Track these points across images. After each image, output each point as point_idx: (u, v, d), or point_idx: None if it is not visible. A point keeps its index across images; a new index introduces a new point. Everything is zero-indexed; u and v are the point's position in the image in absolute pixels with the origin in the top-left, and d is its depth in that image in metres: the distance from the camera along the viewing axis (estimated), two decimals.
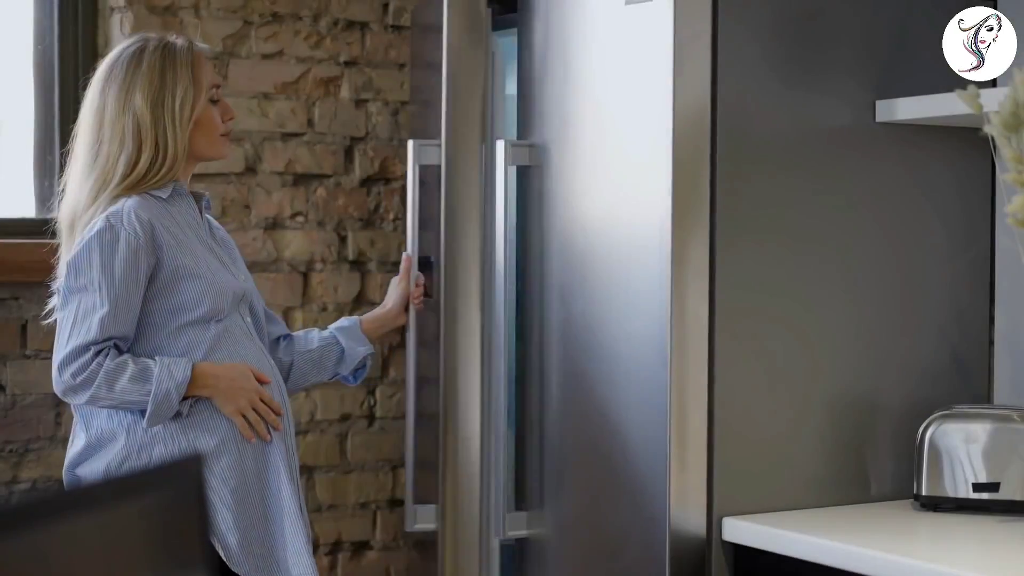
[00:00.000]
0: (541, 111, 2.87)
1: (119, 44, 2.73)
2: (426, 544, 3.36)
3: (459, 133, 2.94)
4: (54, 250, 2.69)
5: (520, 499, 2.92)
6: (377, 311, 2.98)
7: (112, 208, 2.56)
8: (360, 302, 3.51)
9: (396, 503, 3.55)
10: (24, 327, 3.16)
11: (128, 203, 2.56)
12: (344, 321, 2.93)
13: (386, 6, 3.56)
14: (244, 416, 2.59)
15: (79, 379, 2.52)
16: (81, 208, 2.61)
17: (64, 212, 2.65)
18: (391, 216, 3.56)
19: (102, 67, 2.67)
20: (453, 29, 2.95)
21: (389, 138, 3.55)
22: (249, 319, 2.71)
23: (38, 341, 3.16)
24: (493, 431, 2.92)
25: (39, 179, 3.30)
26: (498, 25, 3.24)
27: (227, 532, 2.56)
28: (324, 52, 3.48)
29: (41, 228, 3.00)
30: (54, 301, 2.64)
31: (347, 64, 3.51)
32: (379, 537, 3.55)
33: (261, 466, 2.61)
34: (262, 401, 2.61)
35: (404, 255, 3.02)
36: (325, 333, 2.89)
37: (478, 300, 2.86)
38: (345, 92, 3.51)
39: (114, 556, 1.24)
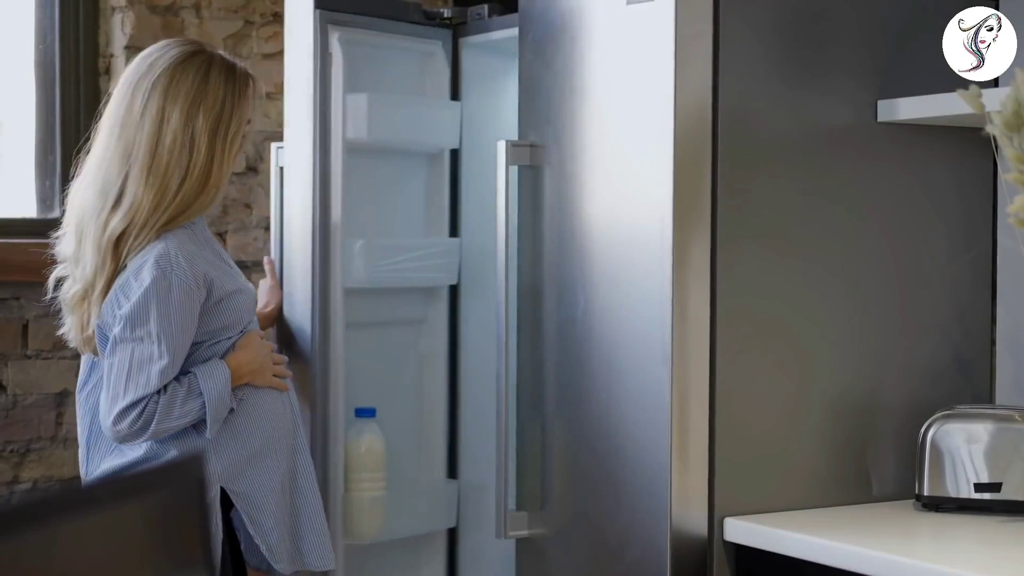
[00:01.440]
0: (542, 111, 2.87)
1: (169, 46, 2.63)
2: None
3: (297, 134, 3.01)
4: (47, 247, 2.67)
5: (521, 499, 2.91)
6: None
7: (158, 251, 2.53)
8: None
9: None
10: (25, 327, 3.16)
11: (170, 244, 2.54)
12: None
13: None
14: (275, 377, 2.70)
15: (136, 426, 2.53)
16: (141, 218, 2.55)
17: (118, 218, 2.56)
18: None
19: (159, 69, 2.60)
20: (290, 30, 3.02)
21: None
22: None
23: (39, 341, 3.16)
24: (496, 431, 2.93)
25: (40, 179, 3.31)
26: (499, 25, 3.24)
27: (270, 531, 2.65)
28: None
29: (42, 228, 3.01)
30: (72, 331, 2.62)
31: None
32: None
33: (292, 465, 2.71)
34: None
35: (266, 258, 3.11)
36: None
37: (309, 299, 2.99)
38: None
39: (115, 556, 1.24)
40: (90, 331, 2.60)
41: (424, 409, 3.30)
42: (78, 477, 3.23)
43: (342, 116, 3.02)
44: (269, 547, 2.67)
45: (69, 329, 2.64)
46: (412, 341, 3.29)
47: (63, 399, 3.20)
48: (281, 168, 3.13)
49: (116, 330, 2.53)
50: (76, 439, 3.20)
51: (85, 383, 2.70)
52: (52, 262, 2.67)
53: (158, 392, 2.53)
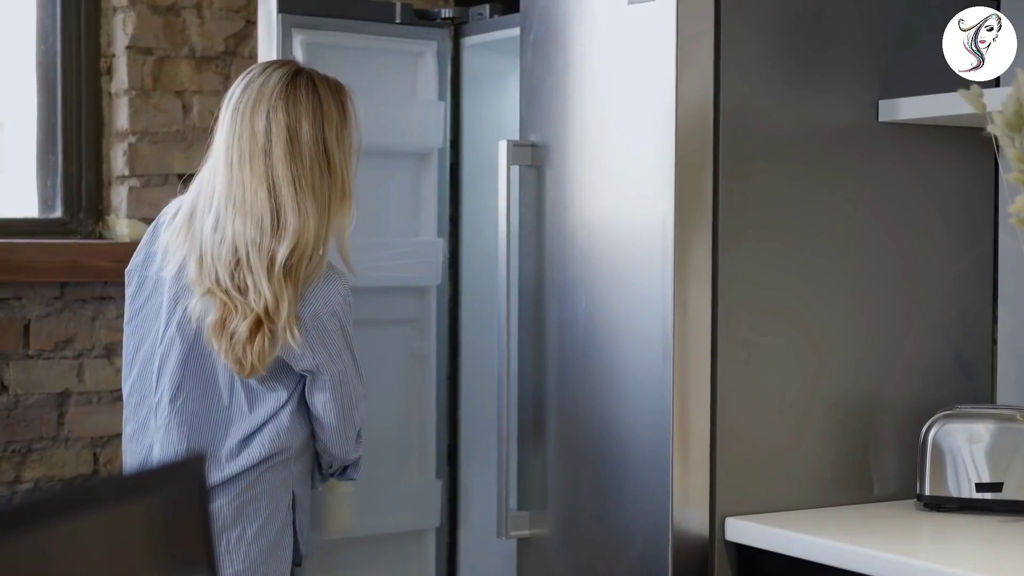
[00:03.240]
0: (543, 111, 2.87)
1: (269, 68, 2.63)
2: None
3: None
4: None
5: (523, 499, 2.91)
6: None
7: (339, 287, 2.59)
8: None
9: None
10: (27, 327, 3.16)
11: (342, 280, 2.62)
12: None
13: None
14: None
15: (360, 445, 2.73)
16: (308, 240, 2.55)
17: (285, 244, 2.54)
18: None
19: (274, 90, 2.58)
20: (261, 33, 3.05)
21: None
22: None
23: (41, 341, 3.16)
24: (498, 431, 2.93)
25: (41, 179, 3.31)
26: (500, 25, 3.24)
27: (304, 530, 2.71)
28: None
29: (43, 228, 3.01)
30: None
31: None
32: None
33: (312, 461, 2.75)
34: None
35: None
36: None
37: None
38: None
39: (117, 556, 1.24)
40: (268, 359, 2.57)
41: (413, 409, 3.30)
42: (79, 477, 3.23)
43: None
44: (305, 544, 2.73)
45: (227, 353, 2.58)
46: (401, 341, 3.28)
47: (65, 399, 3.20)
48: None
49: (334, 367, 2.60)
50: (77, 439, 3.21)
51: (176, 395, 2.64)
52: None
53: None
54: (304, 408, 2.66)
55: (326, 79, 2.65)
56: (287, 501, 2.65)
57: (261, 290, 2.54)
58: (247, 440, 2.61)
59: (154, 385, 2.66)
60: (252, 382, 2.61)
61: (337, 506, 3.01)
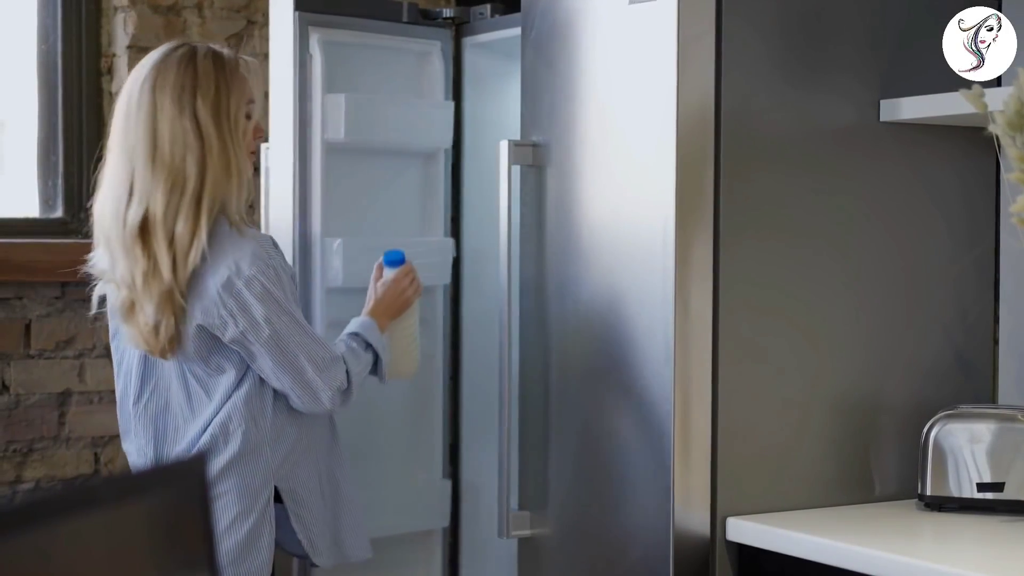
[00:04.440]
0: (544, 111, 2.87)
1: (156, 50, 2.64)
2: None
3: (279, 135, 3.03)
4: (87, 249, 2.66)
5: (523, 499, 2.91)
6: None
7: (250, 247, 2.55)
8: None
9: None
10: (28, 327, 3.16)
11: (259, 238, 2.60)
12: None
13: None
14: (418, 287, 2.90)
15: (346, 387, 2.66)
16: (158, 208, 2.53)
17: (132, 210, 2.54)
18: None
19: (145, 70, 2.59)
20: (273, 32, 3.04)
21: None
22: None
23: (42, 341, 3.16)
24: (499, 430, 2.93)
25: (42, 179, 3.31)
26: (501, 25, 3.24)
27: (311, 526, 2.69)
28: None
29: (44, 228, 3.01)
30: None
31: None
32: None
33: (331, 463, 2.74)
34: (409, 271, 2.89)
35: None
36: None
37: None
38: None
39: (118, 556, 1.24)
40: (172, 332, 2.56)
41: (420, 408, 3.30)
42: (80, 477, 3.23)
43: (321, 117, 3.04)
44: (310, 541, 2.69)
45: (134, 337, 2.59)
46: None
47: (66, 399, 3.20)
48: (267, 169, 3.14)
49: (263, 332, 2.55)
50: (78, 439, 3.21)
51: (140, 395, 2.66)
52: (88, 279, 2.67)
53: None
54: (266, 394, 2.62)
55: (211, 51, 2.61)
56: (266, 496, 2.62)
57: (119, 264, 2.55)
58: (204, 433, 2.60)
59: (123, 391, 2.70)
60: (199, 369, 2.60)
61: (399, 349, 2.89)
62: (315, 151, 3.05)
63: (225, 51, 2.64)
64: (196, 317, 2.55)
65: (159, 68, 2.58)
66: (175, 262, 2.53)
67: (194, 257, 2.52)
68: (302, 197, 3.04)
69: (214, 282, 2.53)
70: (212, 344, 2.59)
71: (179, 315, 2.55)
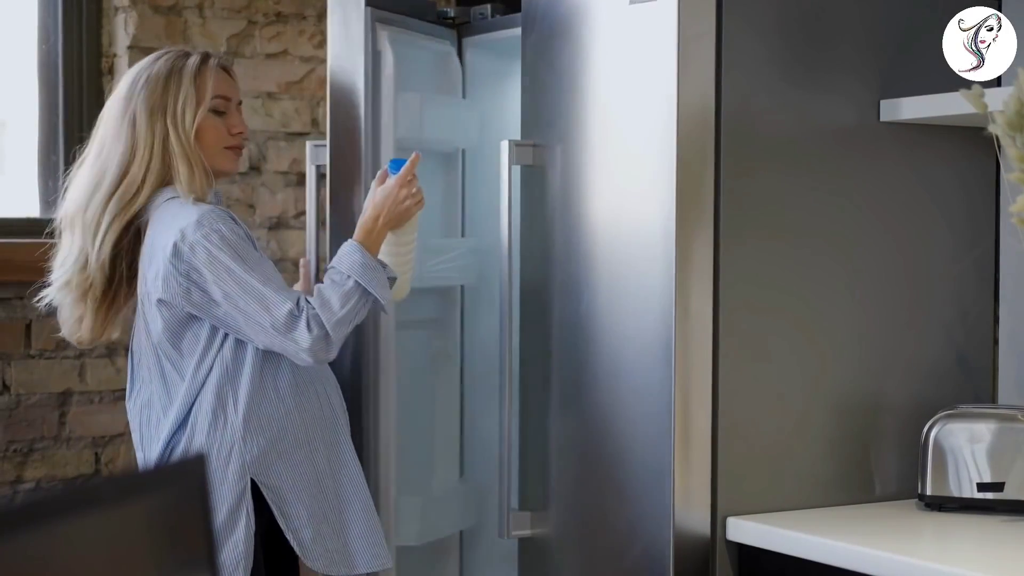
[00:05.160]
0: (545, 111, 2.87)
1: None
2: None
3: (342, 133, 2.98)
4: (49, 249, 2.70)
5: (524, 499, 2.91)
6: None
7: (185, 215, 2.59)
8: None
9: None
10: (28, 327, 3.16)
11: (202, 208, 2.61)
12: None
13: None
14: (419, 201, 2.77)
15: (314, 330, 2.56)
16: (76, 209, 2.64)
17: (67, 201, 2.68)
18: None
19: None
20: (334, 28, 2.99)
21: None
22: None
23: (42, 341, 3.17)
24: (500, 430, 2.93)
25: (43, 179, 3.31)
26: (502, 25, 3.24)
27: (301, 528, 2.64)
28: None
29: (45, 228, 3.00)
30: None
31: None
32: None
33: (335, 464, 2.70)
34: (408, 181, 2.75)
35: (302, 260, 3.04)
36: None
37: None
38: None
39: (118, 556, 1.24)
40: (91, 320, 2.67)
41: (438, 410, 3.28)
42: (81, 476, 3.23)
43: (393, 115, 3.00)
44: (300, 543, 2.65)
45: (87, 328, 2.69)
46: (426, 342, 3.25)
47: (66, 399, 3.21)
48: (317, 167, 3.09)
49: (216, 292, 2.56)
50: (79, 439, 3.21)
51: (131, 391, 2.71)
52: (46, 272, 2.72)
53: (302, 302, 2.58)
54: (240, 384, 2.61)
55: (174, 55, 2.68)
56: (240, 488, 2.60)
57: (72, 251, 2.66)
58: (177, 422, 2.62)
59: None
60: (173, 352, 2.62)
61: (394, 268, 2.81)
62: (386, 150, 2.98)
63: (194, 55, 2.68)
64: (157, 291, 2.59)
65: (125, 76, 2.69)
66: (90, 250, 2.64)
67: (104, 245, 2.63)
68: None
69: (163, 253, 2.58)
70: (178, 323, 2.61)
71: (97, 300, 2.66)
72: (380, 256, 2.72)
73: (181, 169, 2.62)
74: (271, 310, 2.55)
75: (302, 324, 2.55)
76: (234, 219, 2.62)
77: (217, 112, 2.67)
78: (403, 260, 2.81)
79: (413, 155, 2.74)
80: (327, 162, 3.02)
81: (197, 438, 2.60)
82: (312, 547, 2.65)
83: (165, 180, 2.63)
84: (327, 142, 3.02)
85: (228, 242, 2.56)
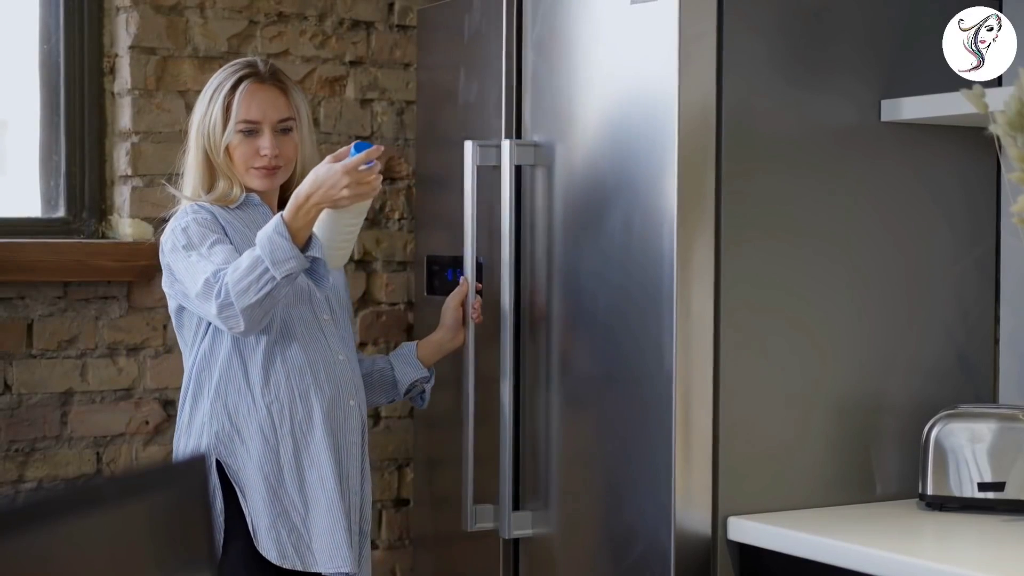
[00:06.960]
0: (546, 110, 2.87)
1: None
2: (430, 543, 3.36)
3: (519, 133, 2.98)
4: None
5: (525, 498, 2.92)
6: (432, 336, 3.00)
7: (174, 218, 2.76)
8: (365, 302, 3.51)
9: (401, 502, 3.55)
10: (30, 326, 3.16)
11: (182, 208, 2.78)
12: (403, 347, 2.99)
13: (391, 6, 3.56)
14: (360, 193, 2.64)
15: (221, 297, 2.59)
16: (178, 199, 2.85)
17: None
18: (396, 216, 3.56)
19: None
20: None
21: (394, 138, 3.55)
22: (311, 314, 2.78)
23: (44, 340, 3.17)
24: (500, 430, 2.93)
25: (44, 179, 3.31)
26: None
27: (257, 515, 2.66)
28: (329, 52, 3.48)
29: (46, 228, 3.01)
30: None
31: (352, 64, 3.51)
32: (384, 536, 3.55)
33: (300, 459, 2.70)
34: (355, 169, 2.62)
35: (462, 277, 3.01)
36: (381, 359, 2.98)
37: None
38: (350, 92, 3.51)
39: (120, 555, 1.24)
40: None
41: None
42: (82, 476, 3.23)
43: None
44: (254, 529, 2.65)
45: None
46: None
47: (68, 398, 3.21)
48: (479, 167, 3.00)
49: (173, 272, 2.71)
50: (80, 438, 3.21)
51: None
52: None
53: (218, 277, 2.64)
54: (214, 369, 2.72)
55: (231, 70, 2.80)
56: (208, 465, 2.66)
57: None
58: (181, 403, 2.79)
59: None
60: (179, 338, 2.81)
61: (331, 240, 2.74)
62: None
63: (238, 74, 2.78)
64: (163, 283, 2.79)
65: None
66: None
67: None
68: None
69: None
70: (176, 312, 2.78)
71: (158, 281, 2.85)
72: (316, 230, 2.66)
73: (190, 171, 2.82)
74: (196, 278, 2.65)
75: (214, 291, 2.61)
76: (208, 209, 2.74)
77: (245, 133, 2.76)
78: (341, 240, 2.78)
79: (375, 146, 2.66)
80: (503, 164, 2.93)
81: (182, 419, 2.75)
82: (265, 536, 2.64)
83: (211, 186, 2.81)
84: (500, 143, 2.95)
85: (188, 228, 2.69)
